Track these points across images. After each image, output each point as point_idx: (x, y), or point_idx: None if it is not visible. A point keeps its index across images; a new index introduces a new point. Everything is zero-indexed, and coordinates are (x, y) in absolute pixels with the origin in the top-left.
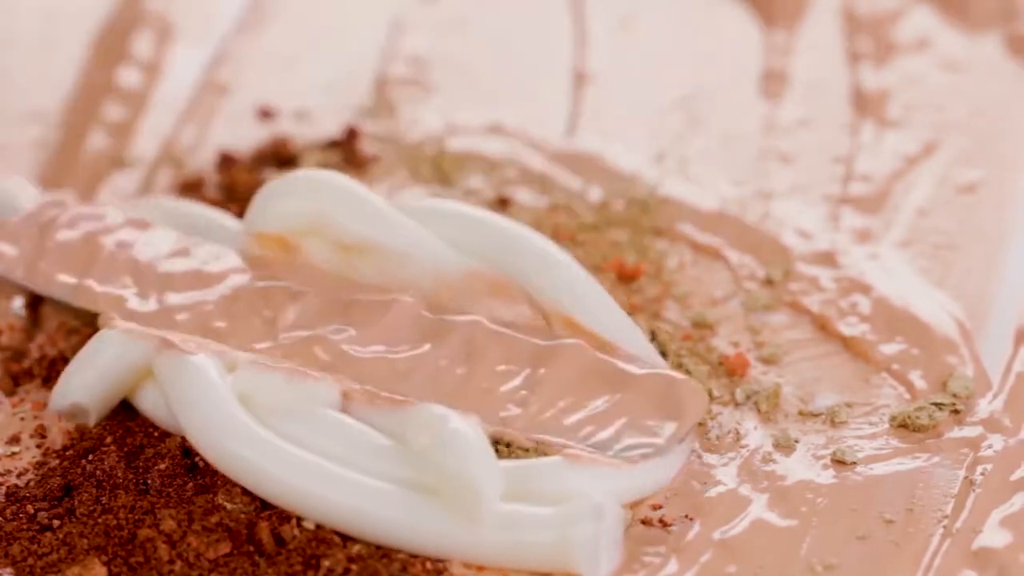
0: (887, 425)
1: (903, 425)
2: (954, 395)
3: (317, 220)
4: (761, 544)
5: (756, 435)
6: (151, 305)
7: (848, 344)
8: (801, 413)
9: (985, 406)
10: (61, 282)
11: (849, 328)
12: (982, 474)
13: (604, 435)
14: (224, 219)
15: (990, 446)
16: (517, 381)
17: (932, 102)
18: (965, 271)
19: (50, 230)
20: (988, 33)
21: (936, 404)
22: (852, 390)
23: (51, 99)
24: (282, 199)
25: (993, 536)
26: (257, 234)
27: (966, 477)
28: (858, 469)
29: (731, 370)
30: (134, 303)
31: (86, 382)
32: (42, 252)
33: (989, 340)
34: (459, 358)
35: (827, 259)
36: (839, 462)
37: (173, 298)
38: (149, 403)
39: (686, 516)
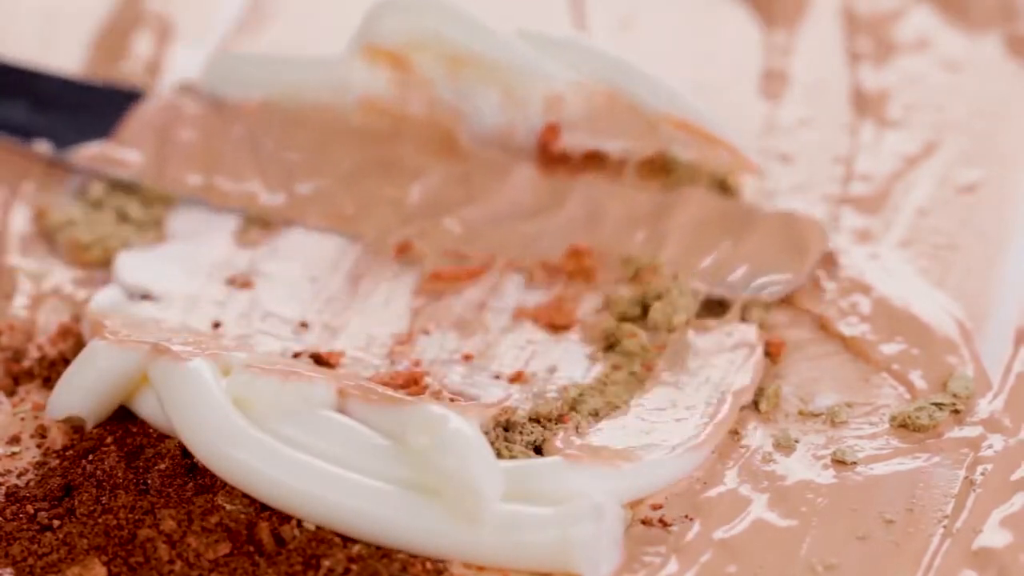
0: (887, 425)
1: (903, 425)
2: (954, 395)
3: (430, 36)
4: (761, 544)
5: (756, 435)
6: (280, 198)
7: (848, 344)
8: (801, 413)
9: (985, 406)
10: (191, 184)
11: (849, 328)
12: (982, 474)
13: (736, 276)
14: None
15: (990, 446)
16: (641, 236)
17: (932, 102)
18: (965, 271)
19: (169, 132)
20: (988, 33)
21: (936, 404)
22: (852, 390)
23: None
24: (396, 14)
25: (993, 536)
26: (367, 46)
27: (966, 477)
28: (858, 469)
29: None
30: (264, 198)
31: (79, 395)
32: (164, 156)
33: (989, 340)
34: (582, 219)
35: (827, 259)
36: (839, 462)
37: (300, 188)
38: (148, 409)
39: (686, 516)
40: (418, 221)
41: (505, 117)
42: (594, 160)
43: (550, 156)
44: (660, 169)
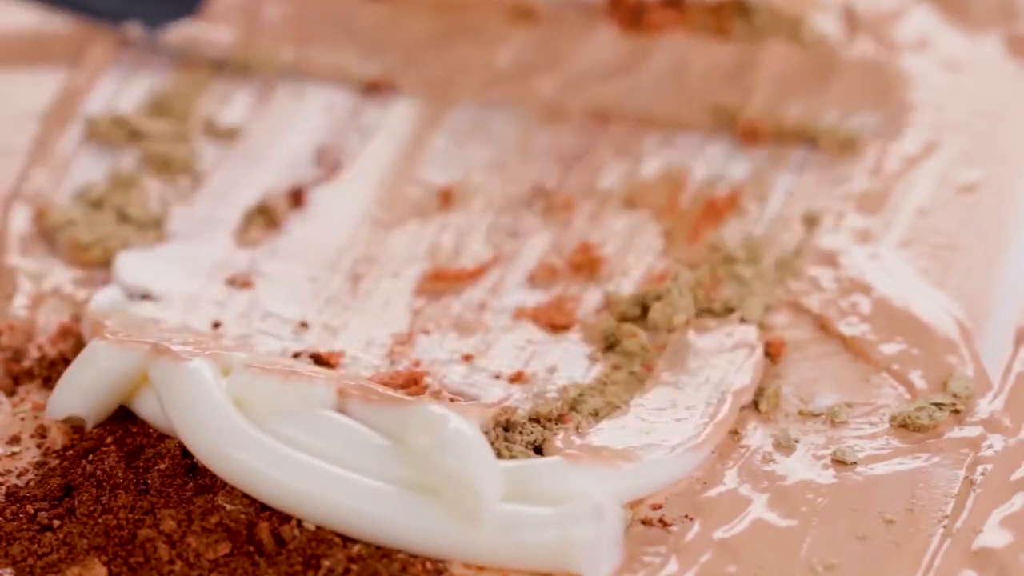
0: (887, 425)
1: (903, 425)
2: (954, 395)
3: None
4: (761, 544)
5: (756, 435)
6: (373, 68)
7: (848, 344)
8: (801, 413)
9: (985, 406)
10: (284, 58)
11: (849, 328)
12: (982, 474)
13: (826, 121)
14: None
15: (990, 446)
16: (727, 87)
17: (932, 102)
18: (965, 271)
19: (257, 7)
20: (988, 33)
21: (936, 404)
22: (852, 390)
23: (50, 98)
24: None
25: (993, 536)
26: None
27: (966, 477)
28: (858, 469)
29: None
30: (356, 67)
31: (79, 395)
32: (254, 31)
33: (989, 340)
34: (666, 74)
35: (827, 259)
36: (839, 462)
37: (390, 58)
38: (148, 409)
39: (686, 516)
40: (508, 84)
41: None
42: (671, 11)
43: (626, 10)
44: (737, 15)
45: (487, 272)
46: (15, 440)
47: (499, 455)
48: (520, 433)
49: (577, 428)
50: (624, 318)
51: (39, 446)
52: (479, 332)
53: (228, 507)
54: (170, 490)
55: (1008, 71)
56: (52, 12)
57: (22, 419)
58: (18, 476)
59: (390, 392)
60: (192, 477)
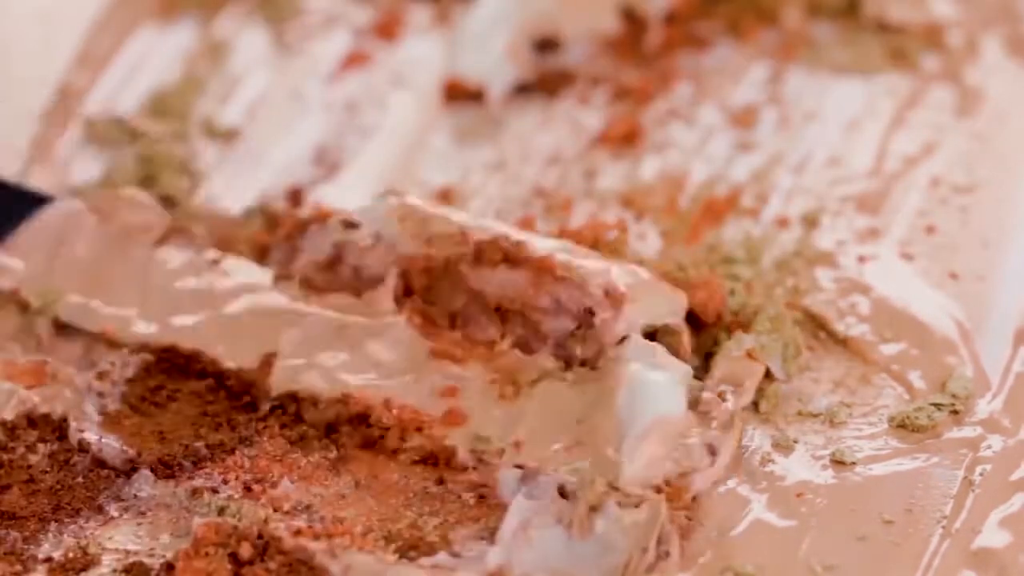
0: (886, 425)
1: (902, 425)
2: (953, 395)
3: None
4: (761, 544)
5: (756, 435)
6: (153, 328)
7: (848, 344)
8: (800, 413)
9: (984, 406)
10: (68, 303)
11: (849, 328)
12: (981, 474)
13: None
14: None
15: (989, 446)
16: None
17: (932, 102)
18: (965, 271)
19: (64, 245)
20: (988, 33)
21: (935, 404)
22: (852, 390)
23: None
24: None
25: (992, 536)
26: None
27: (965, 477)
28: (857, 469)
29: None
30: (140, 326)
31: None
32: (52, 269)
33: (988, 340)
34: None
35: (827, 259)
36: (838, 462)
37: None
38: None
39: (686, 516)
40: None
41: None
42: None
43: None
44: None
45: None
46: None
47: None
48: None
49: None
50: None
51: None
52: None
53: None
54: None
55: (1008, 71)
56: None
57: None
58: None
59: None
60: None
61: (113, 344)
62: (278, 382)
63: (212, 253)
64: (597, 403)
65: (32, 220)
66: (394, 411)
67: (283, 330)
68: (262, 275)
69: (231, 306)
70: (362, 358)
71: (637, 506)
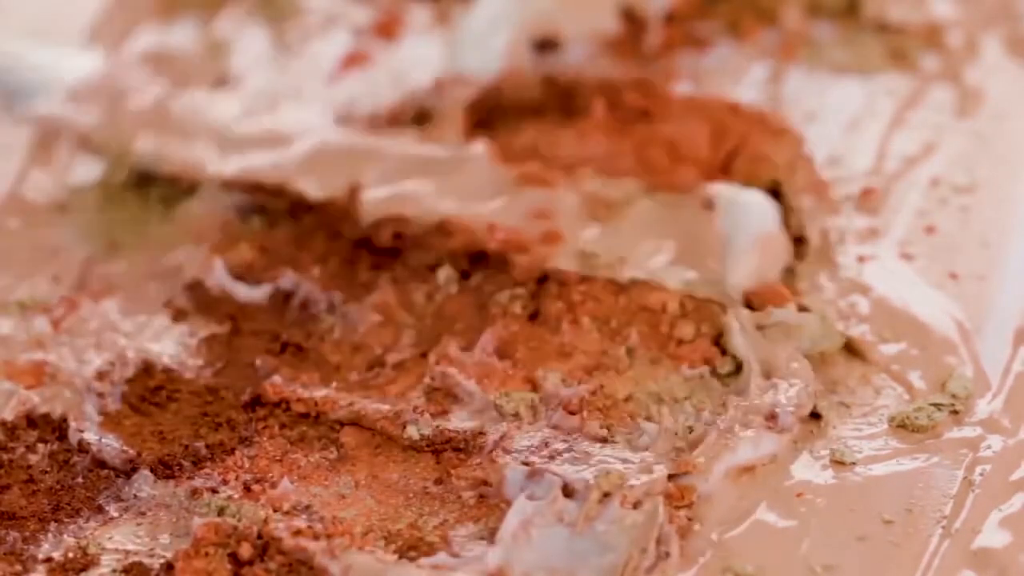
0: (886, 425)
1: (902, 425)
2: (953, 395)
3: None
4: (761, 544)
5: None
6: (232, 165)
7: (848, 344)
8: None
9: (984, 407)
10: (141, 148)
11: (849, 328)
12: (981, 474)
13: None
14: None
15: (989, 446)
16: None
17: (932, 102)
18: (965, 271)
19: (123, 96)
20: (988, 33)
21: (935, 404)
22: (851, 390)
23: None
24: None
25: (992, 536)
26: None
27: (965, 477)
28: (857, 469)
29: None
30: (217, 165)
31: None
32: (117, 118)
33: (988, 341)
34: None
35: (827, 260)
36: (838, 462)
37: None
38: None
39: (687, 516)
40: None
41: None
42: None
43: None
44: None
45: None
46: None
47: None
48: None
49: None
50: None
51: None
52: None
53: None
54: None
55: (1008, 71)
56: None
57: None
58: None
59: None
60: None
61: (194, 186)
62: (368, 212)
63: (266, 99)
64: (694, 220)
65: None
66: (498, 235)
67: (361, 164)
68: (323, 116)
69: (301, 144)
70: (449, 187)
71: (636, 507)
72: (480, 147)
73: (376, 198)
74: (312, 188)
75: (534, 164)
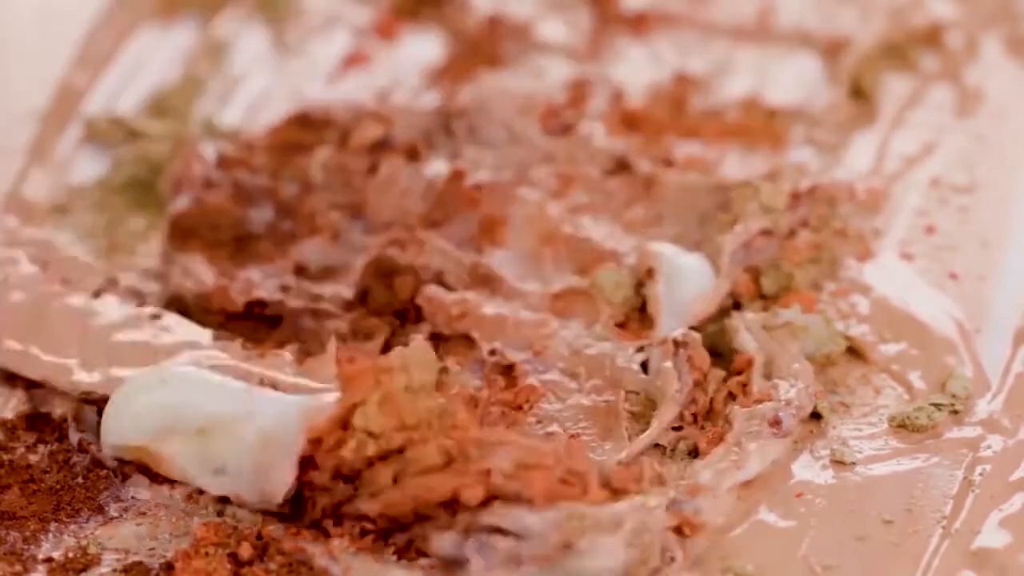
0: (886, 425)
1: (902, 425)
2: (953, 396)
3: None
4: (761, 544)
5: None
6: (96, 377)
7: (848, 344)
8: None
9: (984, 407)
10: (6, 349)
11: (849, 328)
12: (981, 475)
13: None
14: None
15: (989, 447)
16: None
17: (932, 102)
18: (965, 271)
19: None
20: (988, 33)
21: (935, 404)
22: (852, 390)
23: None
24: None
25: (992, 537)
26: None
27: (965, 478)
28: (857, 470)
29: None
30: (81, 375)
31: None
32: None
33: (988, 341)
34: None
35: (826, 260)
36: (838, 463)
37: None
38: None
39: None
40: None
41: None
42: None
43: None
44: None
45: None
46: None
47: None
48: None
49: None
50: None
51: None
52: None
53: None
54: None
55: (1008, 71)
56: None
57: None
58: None
59: None
60: None
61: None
62: None
63: (151, 308)
64: None
65: None
66: None
67: None
68: (202, 333)
69: (172, 361)
70: None
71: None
72: None
73: None
74: None
75: None
